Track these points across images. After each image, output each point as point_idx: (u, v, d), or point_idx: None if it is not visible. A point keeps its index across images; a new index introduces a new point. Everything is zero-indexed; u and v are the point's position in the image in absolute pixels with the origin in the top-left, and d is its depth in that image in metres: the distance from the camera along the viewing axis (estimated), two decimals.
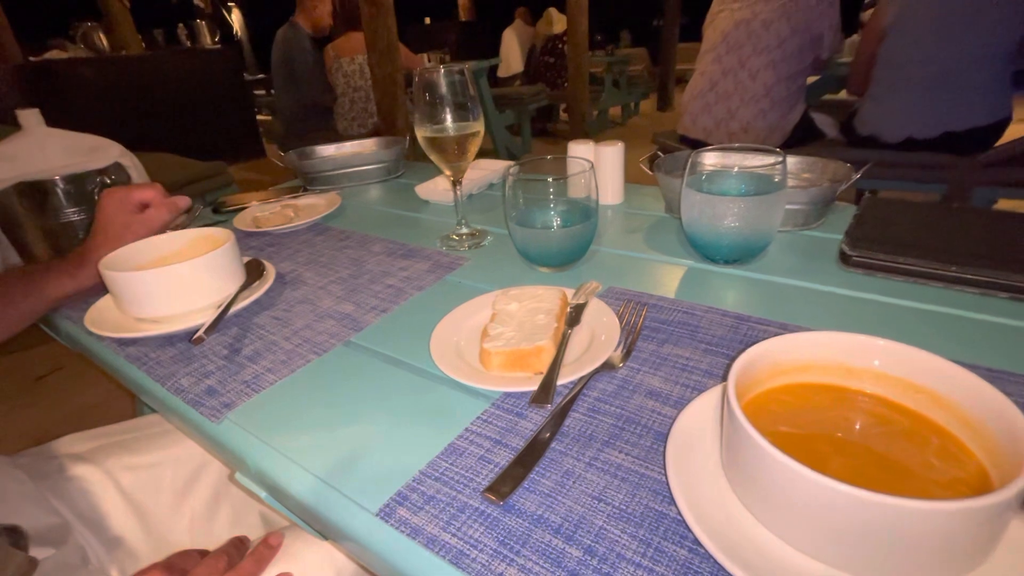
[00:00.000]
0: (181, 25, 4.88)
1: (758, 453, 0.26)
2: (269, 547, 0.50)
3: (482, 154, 1.05)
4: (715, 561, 0.28)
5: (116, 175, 0.92)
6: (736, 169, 0.59)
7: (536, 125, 5.03)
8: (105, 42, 4.48)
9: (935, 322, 0.48)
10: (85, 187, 0.87)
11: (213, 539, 0.60)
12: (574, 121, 4.48)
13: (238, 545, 0.51)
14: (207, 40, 4.79)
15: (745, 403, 0.32)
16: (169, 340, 0.56)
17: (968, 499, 0.22)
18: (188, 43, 4.83)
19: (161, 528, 0.59)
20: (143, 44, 4.76)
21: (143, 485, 0.60)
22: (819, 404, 0.32)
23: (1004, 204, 1.72)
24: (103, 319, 0.58)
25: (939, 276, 0.52)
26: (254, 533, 0.56)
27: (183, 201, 0.72)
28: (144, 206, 0.70)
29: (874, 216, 0.63)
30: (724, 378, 0.41)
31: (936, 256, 0.52)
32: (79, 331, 0.60)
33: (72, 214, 0.86)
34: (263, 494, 0.41)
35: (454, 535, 0.32)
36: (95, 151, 0.92)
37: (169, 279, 0.54)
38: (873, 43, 1.69)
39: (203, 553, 0.50)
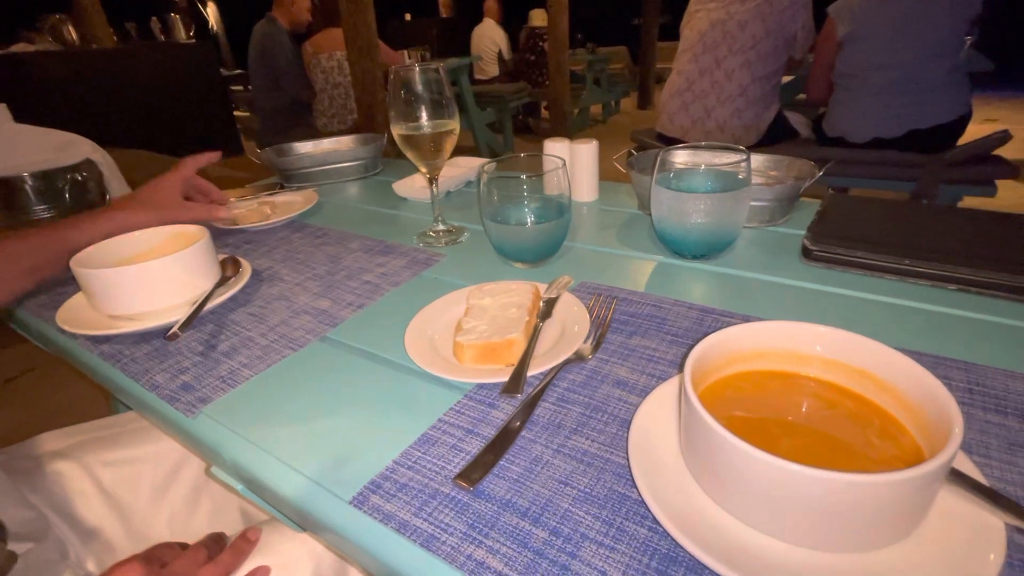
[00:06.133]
0: (154, 18, 4.76)
1: (711, 436, 0.28)
2: (248, 541, 0.50)
3: (464, 152, 1.06)
4: (672, 539, 0.29)
5: (87, 172, 0.91)
6: (703, 167, 0.61)
7: (518, 123, 5.03)
8: (74, 35, 4.36)
9: (889, 312, 0.50)
10: (55, 184, 0.86)
11: (192, 534, 0.61)
12: (555, 119, 4.49)
13: (217, 540, 0.52)
14: (182, 34, 4.69)
15: (702, 390, 0.34)
16: (143, 337, 0.56)
17: (897, 471, 0.24)
18: (162, 37, 4.72)
19: (140, 523, 0.60)
20: (114, 38, 4.64)
21: (122, 480, 0.60)
22: (771, 390, 0.34)
23: (969, 201, 1.79)
24: (76, 317, 0.58)
25: (893, 269, 0.54)
26: (233, 528, 0.56)
27: (222, 211, 0.78)
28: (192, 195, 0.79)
29: (835, 213, 0.65)
30: (680, 368, 0.43)
31: (891, 250, 0.55)
32: (51, 329, 0.59)
33: (42, 211, 0.85)
34: (239, 487, 0.42)
35: (425, 520, 0.33)
36: (65, 147, 0.91)
37: (143, 276, 0.54)
38: (830, 55, 1.76)
39: (183, 546, 0.50)
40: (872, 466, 0.29)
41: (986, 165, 1.67)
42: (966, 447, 0.34)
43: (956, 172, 1.67)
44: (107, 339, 0.56)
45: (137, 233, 0.64)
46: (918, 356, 0.42)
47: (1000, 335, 0.45)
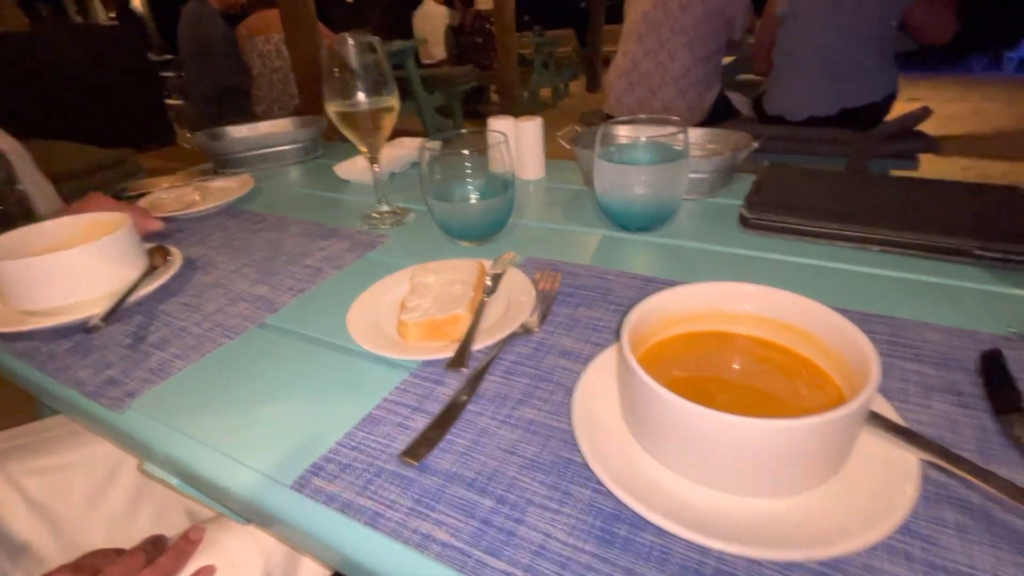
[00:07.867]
0: None
1: (651, 396, 0.28)
2: (189, 541, 0.48)
3: (413, 136, 1.04)
4: (616, 497, 0.30)
5: None
6: (643, 139, 0.61)
7: (467, 107, 4.96)
8: None
9: (820, 274, 0.52)
10: None
11: (133, 540, 0.58)
12: (505, 102, 4.46)
13: (156, 542, 0.49)
14: (101, 15, 4.38)
15: (641, 354, 0.34)
16: (62, 332, 0.52)
17: (821, 414, 0.25)
18: (79, 18, 4.39)
19: (74, 533, 0.56)
20: (25, 19, 4.28)
21: (51, 489, 0.56)
22: (707, 349, 0.35)
23: (895, 174, 1.90)
24: None
25: (822, 234, 0.57)
26: (178, 531, 0.54)
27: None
28: None
29: (770, 183, 0.68)
30: (617, 333, 0.44)
31: (820, 216, 0.57)
32: None
33: None
34: (175, 481, 0.40)
35: (370, 498, 0.32)
36: None
37: (59, 267, 0.50)
38: (771, 30, 1.81)
39: (120, 552, 0.48)
40: (801, 414, 0.30)
41: (910, 140, 1.77)
42: (888, 394, 0.36)
43: (884, 147, 1.76)
44: (20, 336, 0.52)
45: (52, 222, 0.59)
46: (845, 313, 0.44)
47: (917, 290, 0.48)
